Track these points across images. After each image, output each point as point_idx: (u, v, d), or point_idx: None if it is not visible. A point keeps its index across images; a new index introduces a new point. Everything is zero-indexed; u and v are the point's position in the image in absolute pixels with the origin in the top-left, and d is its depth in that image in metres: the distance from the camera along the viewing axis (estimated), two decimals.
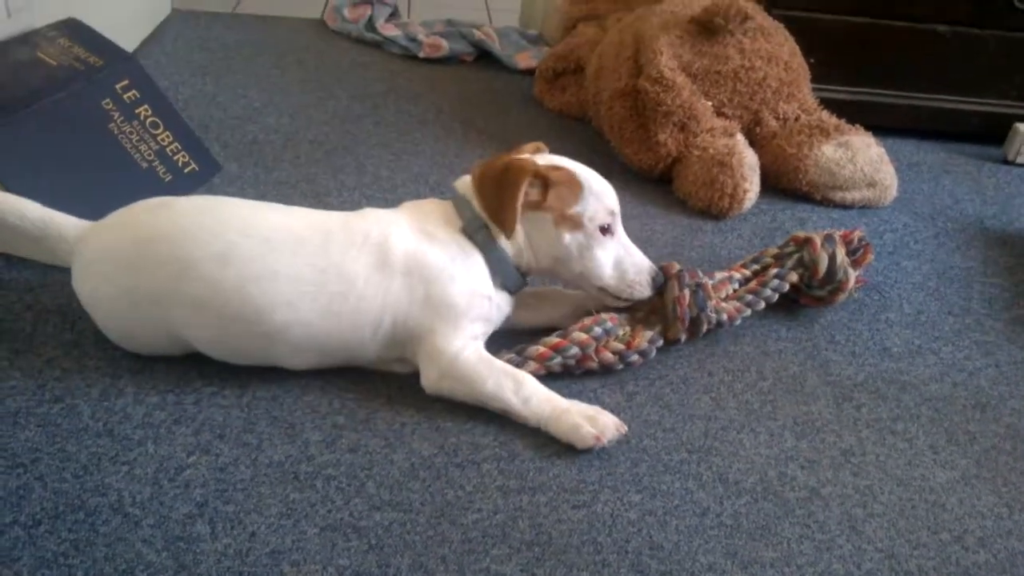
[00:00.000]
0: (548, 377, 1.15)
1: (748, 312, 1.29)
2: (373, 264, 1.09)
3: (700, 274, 1.25)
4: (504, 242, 1.15)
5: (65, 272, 1.28)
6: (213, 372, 1.12)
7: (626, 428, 1.08)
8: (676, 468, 1.06)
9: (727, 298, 1.29)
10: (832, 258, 1.31)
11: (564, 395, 1.14)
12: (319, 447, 1.04)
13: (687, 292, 1.21)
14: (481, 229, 1.14)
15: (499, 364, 1.11)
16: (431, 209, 1.17)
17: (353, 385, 1.14)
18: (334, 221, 1.13)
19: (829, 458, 1.10)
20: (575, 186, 1.15)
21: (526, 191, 1.11)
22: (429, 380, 1.11)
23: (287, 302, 1.06)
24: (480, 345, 1.14)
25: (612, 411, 1.12)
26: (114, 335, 1.14)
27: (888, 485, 1.07)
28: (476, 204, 1.15)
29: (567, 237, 1.15)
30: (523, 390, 1.09)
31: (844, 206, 1.75)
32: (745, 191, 1.63)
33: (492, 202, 1.13)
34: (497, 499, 0.99)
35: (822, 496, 1.04)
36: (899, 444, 1.14)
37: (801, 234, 1.36)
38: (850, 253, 1.35)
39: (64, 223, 1.15)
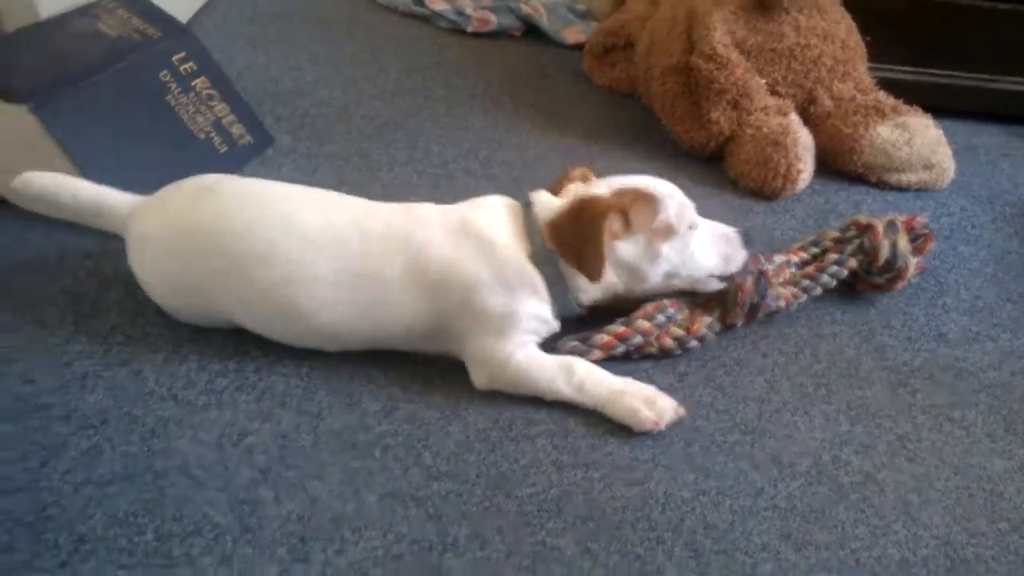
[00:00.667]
0: (605, 358, 1.16)
1: (804, 298, 1.28)
2: (409, 271, 1.06)
3: (763, 260, 1.24)
4: (584, 282, 1.11)
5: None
6: (273, 342, 1.14)
7: (684, 411, 1.08)
8: (730, 449, 1.06)
9: (784, 283, 1.28)
10: (894, 246, 1.29)
11: (617, 375, 1.15)
12: (377, 417, 1.05)
13: (749, 279, 1.21)
14: (549, 263, 1.09)
15: (549, 359, 1.10)
16: (502, 222, 1.11)
17: (409, 357, 1.15)
18: (378, 219, 1.10)
19: (884, 443, 1.10)
20: (649, 199, 1.12)
21: (609, 227, 1.07)
22: (479, 381, 1.11)
23: (325, 304, 1.07)
24: (531, 347, 1.11)
25: (664, 391, 1.13)
26: (169, 308, 1.16)
27: (944, 472, 1.06)
28: (548, 237, 1.10)
29: (665, 248, 1.13)
30: (575, 377, 1.09)
31: (900, 188, 1.72)
32: (799, 171, 1.61)
33: (575, 252, 1.08)
34: (551, 474, 1.00)
35: (877, 481, 1.04)
36: (956, 431, 1.13)
37: (863, 219, 1.34)
38: (912, 240, 1.34)
39: (116, 200, 1.16)
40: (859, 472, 1.05)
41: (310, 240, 1.06)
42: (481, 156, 1.70)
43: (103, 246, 1.30)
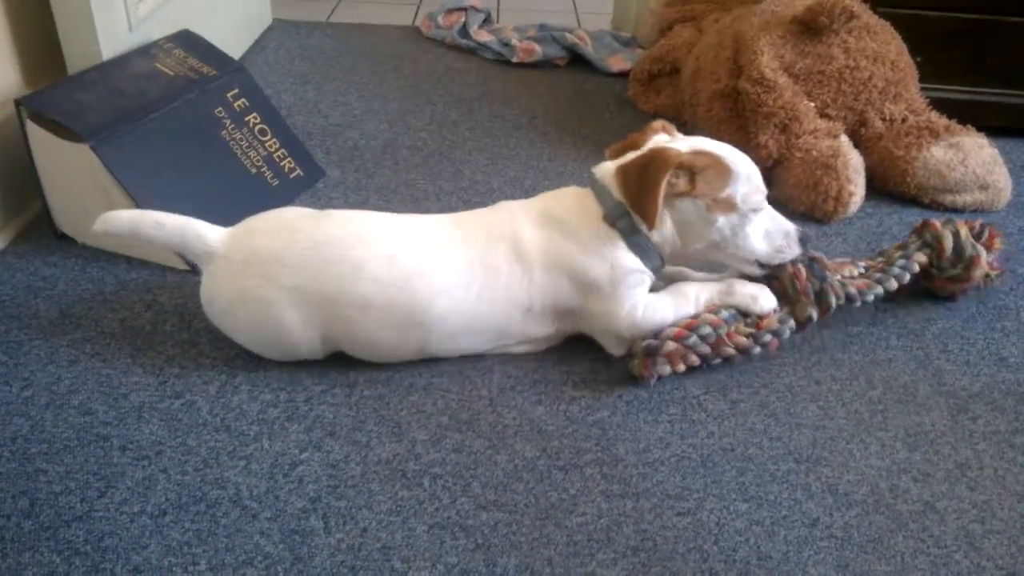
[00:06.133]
0: (684, 374, 1.18)
1: (879, 290, 1.27)
2: (511, 257, 1.15)
3: (813, 252, 1.24)
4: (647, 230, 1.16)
5: (181, 273, 1.35)
6: (322, 372, 1.16)
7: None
8: (783, 478, 1.04)
9: (852, 277, 1.27)
10: (956, 235, 1.30)
11: (666, 402, 1.15)
12: (425, 446, 1.06)
13: (801, 267, 1.20)
14: (623, 216, 1.15)
15: (662, 296, 1.19)
16: (569, 198, 1.19)
17: (455, 386, 1.16)
18: (470, 218, 1.21)
19: (944, 471, 1.06)
20: (724, 170, 1.14)
21: (671, 182, 1.11)
22: (615, 351, 1.21)
23: (444, 292, 1.13)
24: (643, 296, 1.18)
25: (715, 419, 1.12)
26: (249, 336, 1.16)
27: (1008, 500, 1.03)
28: (616, 191, 1.15)
29: (721, 220, 1.15)
30: (690, 293, 1.20)
31: (954, 210, 1.68)
32: (850, 194, 1.59)
33: (635, 195, 1.13)
34: (601, 503, 0.99)
35: (937, 510, 1.01)
36: (1019, 458, 1.09)
37: (918, 223, 1.35)
38: (976, 237, 1.33)
39: (203, 228, 1.16)
40: (918, 500, 1.02)
41: (423, 239, 1.16)
42: (526, 185, 1.71)
43: (159, 280, 1.34)
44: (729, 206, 1.15)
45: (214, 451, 1.03)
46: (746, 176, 1.15)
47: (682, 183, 1.13)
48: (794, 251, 1.20)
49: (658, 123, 1.23)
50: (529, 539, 0.94)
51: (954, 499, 1.03)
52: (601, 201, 1.16)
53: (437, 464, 1.03)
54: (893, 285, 1.28)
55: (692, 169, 1.12)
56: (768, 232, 1.19)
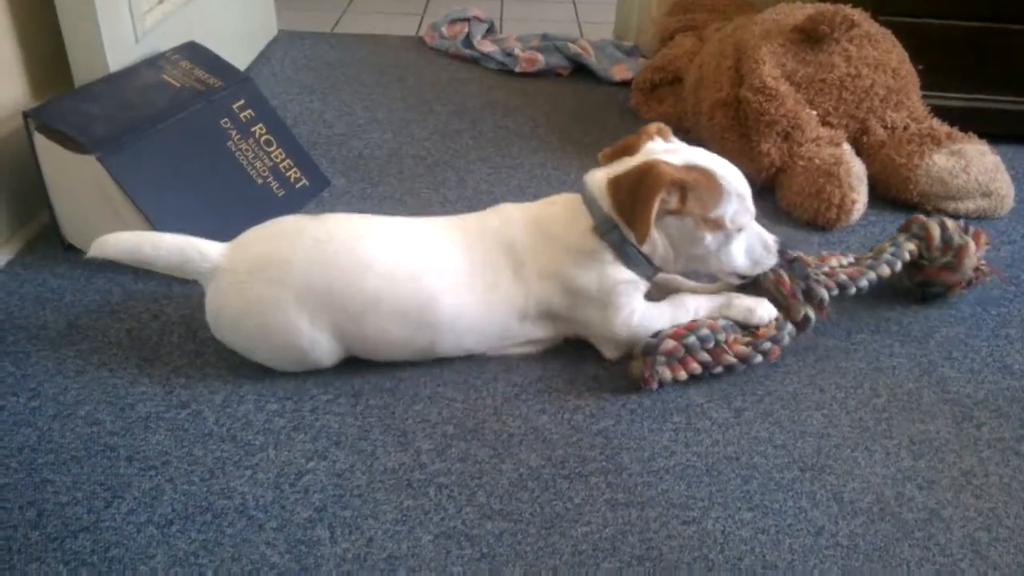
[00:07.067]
0: (688, 383, 1.18)
1: (872, 275, 1.27)
2: (510, 265, 1.17)
3: (789, 253, 1.24)
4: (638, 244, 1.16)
5: (187, 284, 1.35)
6: (328, 381, 1.16)
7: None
8: (788, 486, 1.04)
9: (842, 267, 1.28)
10: (942, 225, 1.32)
11: (670, 410, 1.15)
12: (430, 455, 1.06)
13: (782, 272, 1.22)
14: (612, 230, 1.15)
15: (661, 306, 1.20)
16: (559, 207, 1.20)
17: (460, 395, 1.16)
18: (473, 221, 1.22)
19: (949, 479, 1.06)
20: (716, 189, 1.13)
21: (663, 199, 1.10)
22: (611, 355, 1.22)
23: (452, 291, 1.14)
24: (640, 304, 1.19)
25: (720, 427, 1.13)
26: (258, 346, 1.15)
27: (1014, 508, 1.03)
28: (606, 204, 1.15)
29: (708, 238, 1.15)
30: (690, 305, 1.21)
31: (957, 217, 1.67)
32: (853, 201, 1.59)
33: (626, 211, 1.12)
34: (606, 512, 1.00)
35: (942, 518, 1.01)
36: None
37: (904, 221, 1.38)
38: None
39: (203, 243, 1.15)
40: (923, 509, 1.02)
41: (430, 239, 1.18)
42: (529, 194, 1.72)
43: (166, 290, 1.35)
44: (717, 226, 1.15)
45: (220, 461, 1.04)
46: (738, 196, 1.14)
47: (673, 201, 1.11)
48: (771, 261, 1.21)
49: (653, 127, 1.21)
50: (534, 548, 0.95)
51: (960, 507, 1.03)
52: (591, 212, 1.16)
53: (442, 473, 1.04)
54: (885, 271, 1.29)
55: (684, 186, 1.11)
56: (750, 247, 1.19)
